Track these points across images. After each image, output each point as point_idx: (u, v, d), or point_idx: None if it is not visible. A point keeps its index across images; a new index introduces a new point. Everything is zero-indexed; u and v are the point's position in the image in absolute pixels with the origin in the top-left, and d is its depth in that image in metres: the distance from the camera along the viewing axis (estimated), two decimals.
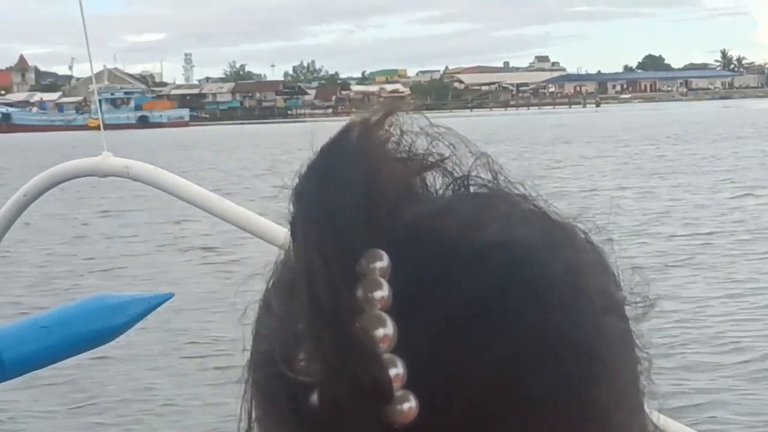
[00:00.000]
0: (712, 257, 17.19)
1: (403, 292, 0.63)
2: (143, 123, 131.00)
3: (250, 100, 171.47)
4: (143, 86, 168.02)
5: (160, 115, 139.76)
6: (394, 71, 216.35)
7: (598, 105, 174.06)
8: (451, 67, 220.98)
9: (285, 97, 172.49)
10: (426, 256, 0.66)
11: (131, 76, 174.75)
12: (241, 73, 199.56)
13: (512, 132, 73.09)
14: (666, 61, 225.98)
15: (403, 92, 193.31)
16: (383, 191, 0.66)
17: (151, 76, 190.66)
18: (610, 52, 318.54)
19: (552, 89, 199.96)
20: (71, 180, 3.45)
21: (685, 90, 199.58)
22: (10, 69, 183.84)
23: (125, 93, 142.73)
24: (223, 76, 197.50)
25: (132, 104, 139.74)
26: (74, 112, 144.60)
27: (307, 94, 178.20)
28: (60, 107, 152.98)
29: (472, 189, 0.72)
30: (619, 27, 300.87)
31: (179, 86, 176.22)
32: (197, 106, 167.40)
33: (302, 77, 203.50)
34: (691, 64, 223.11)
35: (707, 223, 21.58)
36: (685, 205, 25.12)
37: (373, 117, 0.69)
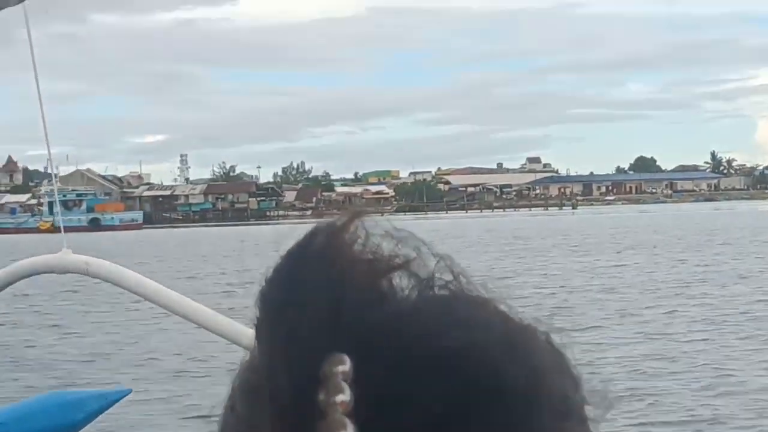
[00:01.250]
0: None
1: (365, 396, 0.66)
2: (94, 225, 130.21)
3: (222, 202, 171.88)
4: (114, 188, 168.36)
5: (112, 218, 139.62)
6: (387, 172, 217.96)
7: (574, 207, 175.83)
8: (444, 167, 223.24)
9: (259, 198, 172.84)
10: (389, 360, 0.68)
11: (103, 177, 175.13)
12: (231, 174, 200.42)
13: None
14: (657, 163, 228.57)
15: (387, 194, 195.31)
16: (349, 293, 0.70)
17: (139, 177, 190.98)
18: (604, 154, 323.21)
19: (537, 191, 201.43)
20: (30, 277, 3.52)
21: (669, 192, 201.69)
22: None
23: (77, 195, 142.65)
24: (212, 176, 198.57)
25: (84, 206, 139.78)
26: (28, 214, 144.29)
27: (281, 195, 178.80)
28: (13, 209, 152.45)
29: (436, 290, 0.75)
30: (617, 129, 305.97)
31: (151, 187, 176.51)
32: (169, 207, 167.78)
33: (291, 178, 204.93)
34: (681, 166, 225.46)
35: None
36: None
37: (338, 221, 0.74)
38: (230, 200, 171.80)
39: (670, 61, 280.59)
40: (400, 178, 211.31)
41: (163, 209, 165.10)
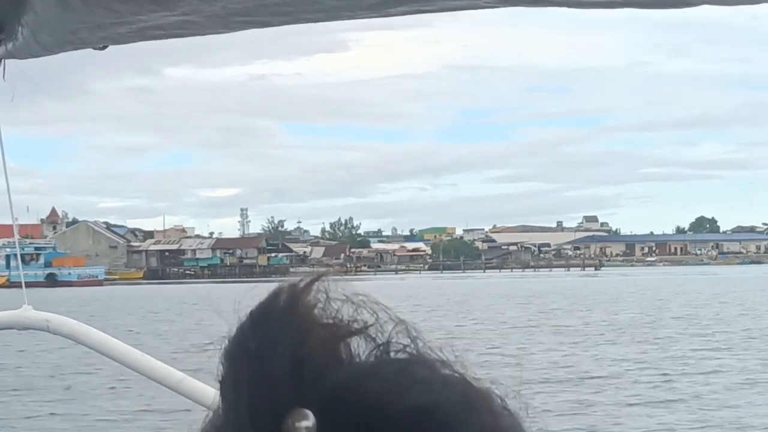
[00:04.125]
0: None
1: None
2: (51, 281, 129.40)
3: (230, 257, 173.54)
4: (121, 241, 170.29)
5: (69, 273, 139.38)
6: (443, 229, 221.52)
7: (597, 268, 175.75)
8: (501, 224, 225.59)
9: (269, 254, 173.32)
10: (350, 418, 0.73)
11: (110, 230, 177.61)
12: (280, 228, 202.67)
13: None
14: (717, 223, 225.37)
15: (423, 251, 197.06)
16: (310, 355, 0.75)
17: (182, 230, 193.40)
18: (670, 214, 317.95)
19: (579, 250, 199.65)
20: None
21: (714, 253, 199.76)
22: (42, 221, 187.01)
23: (36, 248, 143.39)
24: (261, 231, 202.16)
25: (41, 260, 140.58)
26: None
27: (291, 251, 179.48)
28: None
29: (392, 354, 0.80)
30: (687, 188, 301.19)
31: (158, 242, 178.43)
32: (176, 262, 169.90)
33: (339, 233, 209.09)
34: (739, 226, 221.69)
35: None
36: None
37: (301, 283, 0.80)
38: (239, 255, 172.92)
39: (744, 120, 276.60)
40: (455, 236, 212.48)
41: (170, 264, 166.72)
